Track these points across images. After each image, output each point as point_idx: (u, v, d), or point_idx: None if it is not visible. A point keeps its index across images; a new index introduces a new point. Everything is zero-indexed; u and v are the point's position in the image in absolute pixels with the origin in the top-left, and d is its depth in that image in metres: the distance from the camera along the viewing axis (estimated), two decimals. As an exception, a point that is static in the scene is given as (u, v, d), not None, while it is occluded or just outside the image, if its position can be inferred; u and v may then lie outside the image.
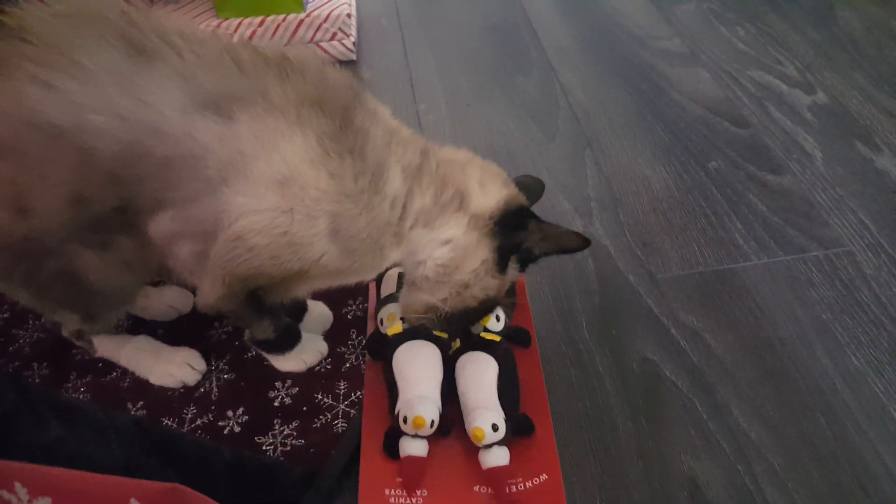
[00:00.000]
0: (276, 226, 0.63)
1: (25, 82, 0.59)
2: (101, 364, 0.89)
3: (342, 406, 0.84)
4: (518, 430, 0.77)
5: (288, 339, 0.84)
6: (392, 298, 0.86)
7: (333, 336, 0.91)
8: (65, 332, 0.86)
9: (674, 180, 1.15)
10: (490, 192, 0.73)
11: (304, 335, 0.87)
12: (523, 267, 0.77)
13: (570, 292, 0.98)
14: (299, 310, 0.89)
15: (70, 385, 0.87)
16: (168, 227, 0.66)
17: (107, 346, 0.88)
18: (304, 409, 0.84)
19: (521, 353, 0.85)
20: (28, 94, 0.59)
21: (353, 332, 0.92)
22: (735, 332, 0.92)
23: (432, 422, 0.74)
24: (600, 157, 1.20)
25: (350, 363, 0.89)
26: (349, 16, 1.41)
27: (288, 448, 0.80)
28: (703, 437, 0.81)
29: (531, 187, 0.80)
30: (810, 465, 0.78)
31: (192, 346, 0.90)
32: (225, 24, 1.36)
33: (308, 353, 0.86)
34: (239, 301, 0.71)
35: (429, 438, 0.76)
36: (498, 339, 0.82)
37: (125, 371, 0.89)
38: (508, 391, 0.78)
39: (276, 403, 0.84)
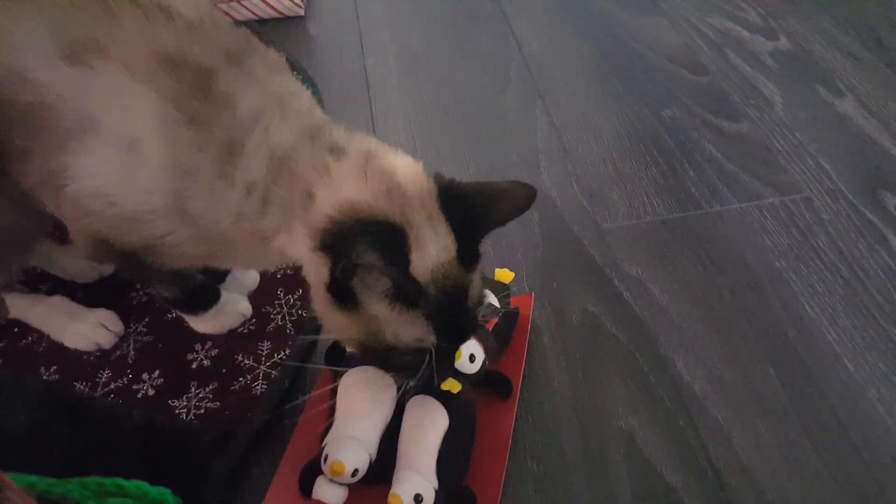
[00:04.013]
0: (105, 194, 0.54)
1: None
2: (16, 329, 0.81)
3: (263, 367, 0.75)
4: None
5: (201, 299, 0.75)
6: None
7: (259, 295, 0.82)
8: (-25, 293, 0.78)
9: (626, 130, 1.04)
10: (348, 189, 0.52)
11: (226, 295, 0.78)
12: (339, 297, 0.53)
13: (513, 244, 0.88)
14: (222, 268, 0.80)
15: (-18, 351, 0.79)
16: (34, 178, 0.58)
17: (19, 306, 0.79)
18: (224, 371, 0.75)
19: (494, 406, 0.68)
20: None
21: (282, 292, 0.83)
22: (682, 281, 0.83)
23: (355, 471, 0.61)
24: (552, 108, 1.09)
25: (276, 323, 0.80)
26: (297, -30, 1.29)
27: (202, 411, 0.72)
28: (643, 390, 0.73)
29: (498, 197, 0.56)
30: (757, 419, 0.70)
31: (113, 307, 0.81)
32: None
33: (227, 315, 0.77)
34: (114, 259, 0.62)
35: (351, 486, 0.63)
36: (457, 388, 0.64)
37: (42, 335, 0.80)
38: (454, 456, 0.63)
39: (193, 366, 0.76)
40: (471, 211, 0.54)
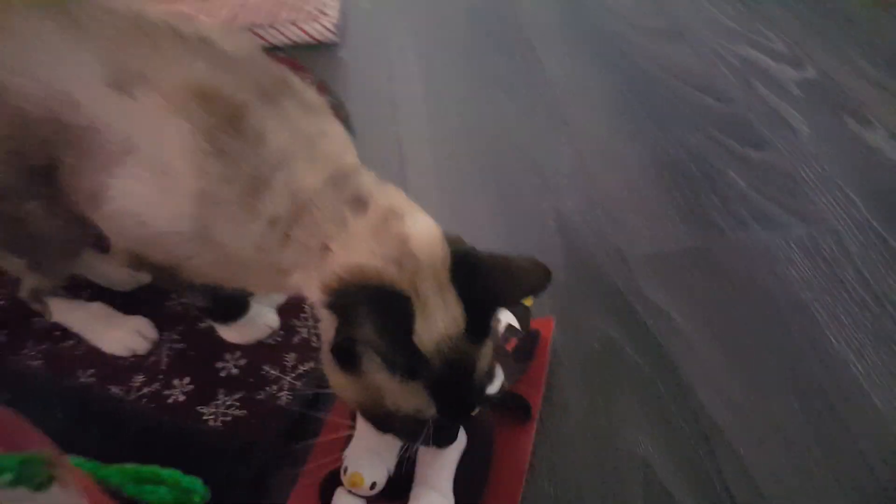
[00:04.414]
0: (137, 214, 0.58)
1: None
2: (58, 332, 0.84)
3: (288, 378, 0.77)
4: None
5: (230, 310, 0.77)
6: None
7: (286, 308, 0.84)
8: (22, 294, 0.81)
9: (650, 157, 1.04)
10: (360, 251, 0.52)
11: (255, 307, 0.80)
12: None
13: (534, 268, 0.89)
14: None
15: (26, 352, 0.82)
16: (80, 193, 0.62)
17: (61, 310, 0.83)
18: (251, 380, 0.77)
19: (512, 427, 0.68)
20: None
21: (307, 306, 0.85)
22: (705, 311, 0.82)
23: (373, 484, 0.61)
24: (575, 133, 1.10)
25: (301, 336, 0.81)
26: (331, -4, 1.34)
27: (229, 419, 0.73)
28: (662, 418, 0.72)
29: (514, 275, 0.55)
30: (778, 452, 0.69)
31: (148, 315, 0.84)
32: (209, 3, 1.30)
33: (253, 326, 0.79)
34: (149, 271, 0.66)
35: (369, 499, 0.63)
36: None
37: (81, 339, 0.83)
38: (471, 475, 0.63)
39: (222, 374, 0.78)
40: (484, 285, 0.53)
